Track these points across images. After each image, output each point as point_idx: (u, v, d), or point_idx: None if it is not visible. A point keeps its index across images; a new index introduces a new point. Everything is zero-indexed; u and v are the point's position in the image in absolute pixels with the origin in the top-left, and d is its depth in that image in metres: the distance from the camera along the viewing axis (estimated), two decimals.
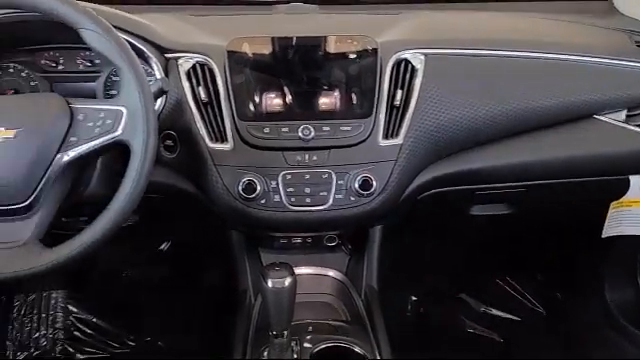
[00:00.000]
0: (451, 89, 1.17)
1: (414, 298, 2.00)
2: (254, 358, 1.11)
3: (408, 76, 1.16)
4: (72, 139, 0.89)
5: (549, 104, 1.21)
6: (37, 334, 1.87)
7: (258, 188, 1.10)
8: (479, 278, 2.05)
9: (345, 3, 1.57)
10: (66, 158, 0.89)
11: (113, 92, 1.18)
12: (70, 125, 0.89)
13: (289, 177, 1.12)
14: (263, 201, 1.12)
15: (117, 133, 0.88)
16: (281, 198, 1.12)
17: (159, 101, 1.08)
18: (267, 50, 1.16)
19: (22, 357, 1.83)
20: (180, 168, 1.17)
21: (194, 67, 1.13)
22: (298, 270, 1.11)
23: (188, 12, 1.37)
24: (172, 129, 1.13)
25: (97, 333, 1.88)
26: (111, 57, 0.90)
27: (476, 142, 1.22)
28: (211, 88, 1.13)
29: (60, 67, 1.20)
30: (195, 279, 1.93)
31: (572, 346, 1.83)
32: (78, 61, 1.19)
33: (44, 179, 0.88)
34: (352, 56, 1.16)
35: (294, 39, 1.16)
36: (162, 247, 1.85)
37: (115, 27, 0.93)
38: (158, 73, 1.10)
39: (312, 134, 1.12)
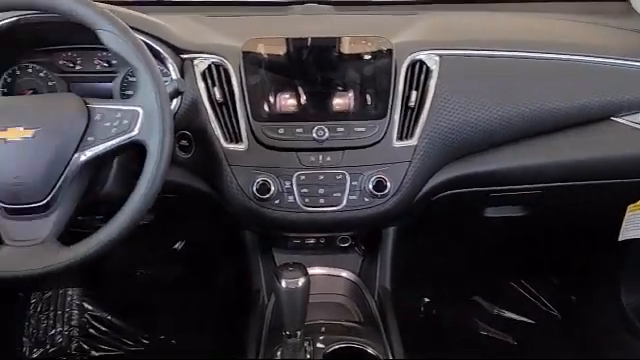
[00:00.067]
0: (466, 90, 1.17)
1: (427, 299, 1.99)
2: (267, 358, 1.11)
3: (423, 77, 1.16)
4: (89, 139, 0.90)
5: (565, 106, 1.20)
6: (53, 331, 1.89)
7: (272, 188, 1.11)
8: (493, 280, 2.04)
9: (360, 4, 1.56)
10: (83, 158, 0.90)
11: (129, 92, 1.19)
12: (87, 125, 0.90)
13: (303, 178, 1.13)
14: (277, 201, 1.12)
15: (133, 133, 0.89)
16: (295, 199, 1.12)
17: (175, 101, 1.09)
18: (282, 51, 1.16)
19: (38, 353, 1.86)
20: (195, 168, 1.18)
21: (209, 68, 1.14)
22: (311, 270, 1.11)
23: (203, 13, 1.38)
24: (187, 129, 1.14)
25: (112, 331, 1.90)
26: (128, 58, 0.91)
27: (491, 144, 1.21)
28: (226, 89, 1.13)
29: (78, 67, 1.21)
30: (209, 278, 1.94)
31: (587, 350, 1.81)
32: (95, 61, 1.20)
33: (62, 178, 0.89)
34: (367, 57, 1.16)
35: (309, 40, 1.16)
36: (176, 246, 1.86)
37: (132, 28, 0.94)
38: (174, 74, 1.11)
39: (326, 135, 1.12)
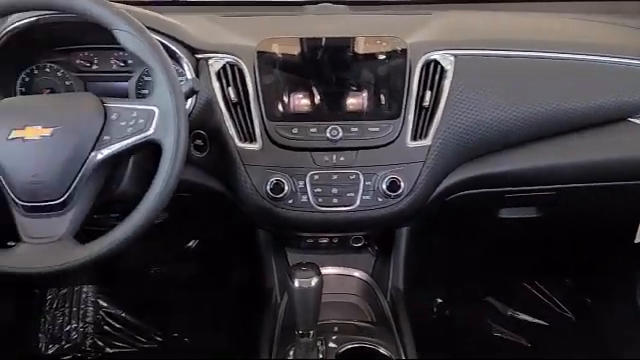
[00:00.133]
0: (481, 90, 1.16)
1: (440, 300, 1.98)
2: (280, 357, 1.11)
3: (437, 77, 1.15)
4: (106, 138, 0.91)
5: (581, 106, 1.19)
6: (68, 327, 1.91)
7: (286, 188, 1.11)
8: (506, 281, 2.02)
9: (374, 4, 1.56)
10: (100, 156, 0.90)
11: (145, 92, 1.20)
12: (104, 124, 0.91)
13: (317, 177, 1.13)
14: (291, 201, 1.13)
15: (149, 132, 0.90)
16: (308, 198, 1.13)
17: (190, 101, 1.09)
18: (296, 51, 1.16)
19: (53, 349, 1.88)
20: (209, 167, 1.18)
21: (224, 67, 1.14)
22: (324, 270, 1.11)
23: (218, 13, 1.38)
24: (202, 129, 1.14)
25: (126, 328, 1.92)
26: (144, 57, 0.92)
27: (505, 144, 1.20)
28: (240, 88, 1.13)
29: (94, 67, 1.22)
30: (222, 277, 1.95)
31: (602, 351, 1.79)
32: (112, 61, 1.22)
33: (78, 177, 0.90)
34: (381, 57, 1.16)
35: (323, 40, 1.16)
36: (190, 245, 1.87)
37: (147, 28, 0.94)
38: (189, 73, 1.12)
39: (340, 135, 1.12)
